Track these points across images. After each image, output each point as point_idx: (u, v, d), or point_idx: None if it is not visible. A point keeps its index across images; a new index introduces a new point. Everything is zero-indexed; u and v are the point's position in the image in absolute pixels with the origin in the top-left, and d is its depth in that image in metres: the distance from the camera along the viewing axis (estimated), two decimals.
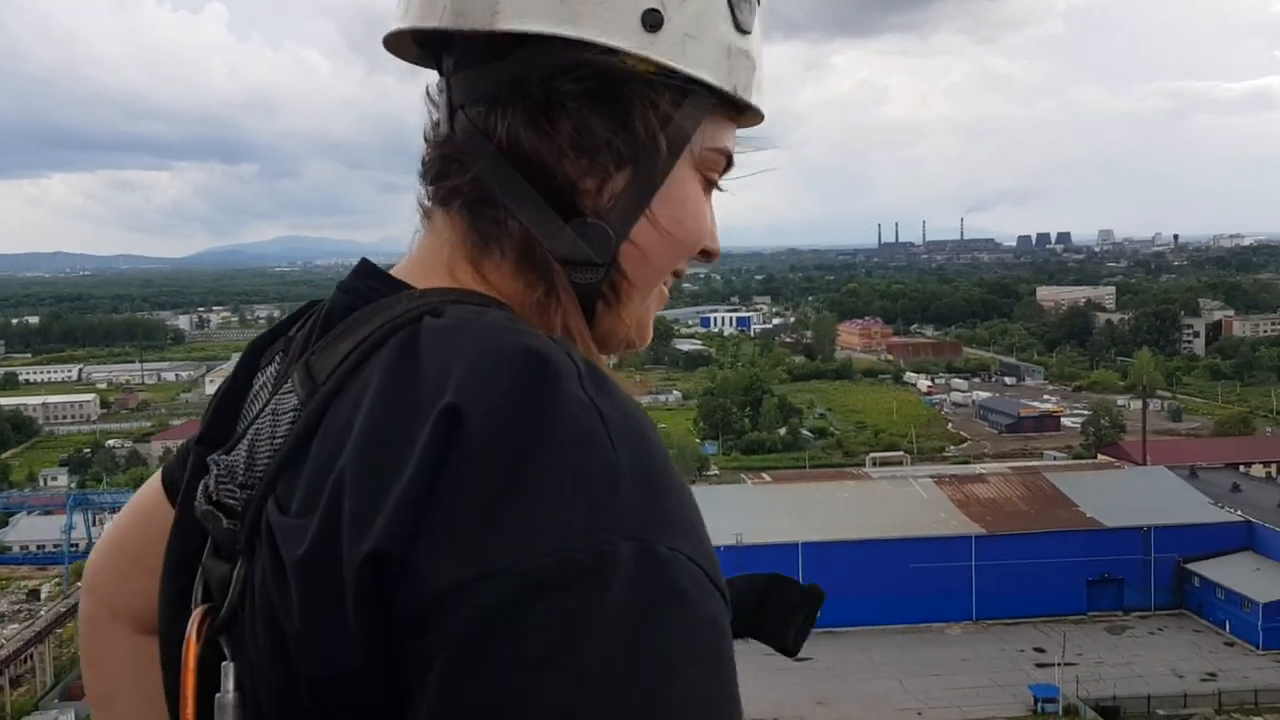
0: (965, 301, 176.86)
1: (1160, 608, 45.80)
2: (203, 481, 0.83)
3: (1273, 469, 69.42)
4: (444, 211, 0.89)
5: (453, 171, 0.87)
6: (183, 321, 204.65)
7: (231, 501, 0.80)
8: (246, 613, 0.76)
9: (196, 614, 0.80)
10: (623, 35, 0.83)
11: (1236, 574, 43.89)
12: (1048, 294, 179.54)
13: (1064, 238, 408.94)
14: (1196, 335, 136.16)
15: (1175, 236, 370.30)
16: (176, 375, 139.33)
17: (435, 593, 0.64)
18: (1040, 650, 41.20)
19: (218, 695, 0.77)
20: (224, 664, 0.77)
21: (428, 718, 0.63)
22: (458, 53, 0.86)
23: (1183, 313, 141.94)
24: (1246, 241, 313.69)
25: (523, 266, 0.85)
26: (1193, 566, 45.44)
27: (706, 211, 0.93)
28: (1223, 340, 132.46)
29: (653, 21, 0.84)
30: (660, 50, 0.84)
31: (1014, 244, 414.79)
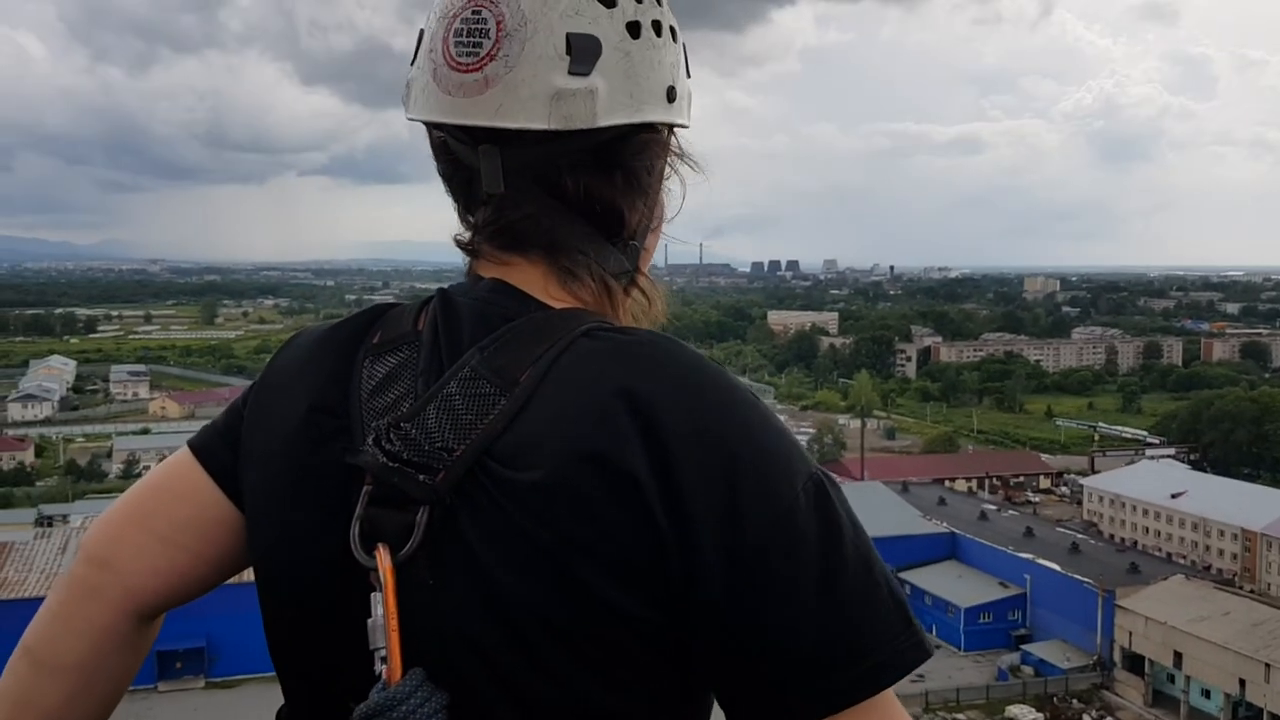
0: (704, 323, 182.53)
1: None
2: (378, 443, 0.98)
3: (973, 484, 75.57)
4: (523, 254, 1.11)
5: (528, 229, 1.10)
6: None
7: (419, 459, 0.96)
8: (431, 550, 0.95)
9: (383, 550, 0.95)
10: (658, 110, 1.11)
11: (941, 581, 47.41)
12: (778, 318, 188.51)
13: (793, 265, 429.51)
14: (909, 359, 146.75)
15: (891, 267, 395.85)
16: None
17: (768, 518, 0.93)
18: None
19: (369, 620, 0.95)
20: (373, 594, 0.95)
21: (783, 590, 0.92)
22: (529, 133, 1.06)
23: (897, 338, 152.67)
24: (953, 274, 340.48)
25: (597, 286, 1.12)
26: (904, 575, 48.16)
27: None
28: (931, 365, 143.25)
29: (671, 95, 1.12)
30: (674, 113, 1.14)
31: (749, 269, 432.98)
